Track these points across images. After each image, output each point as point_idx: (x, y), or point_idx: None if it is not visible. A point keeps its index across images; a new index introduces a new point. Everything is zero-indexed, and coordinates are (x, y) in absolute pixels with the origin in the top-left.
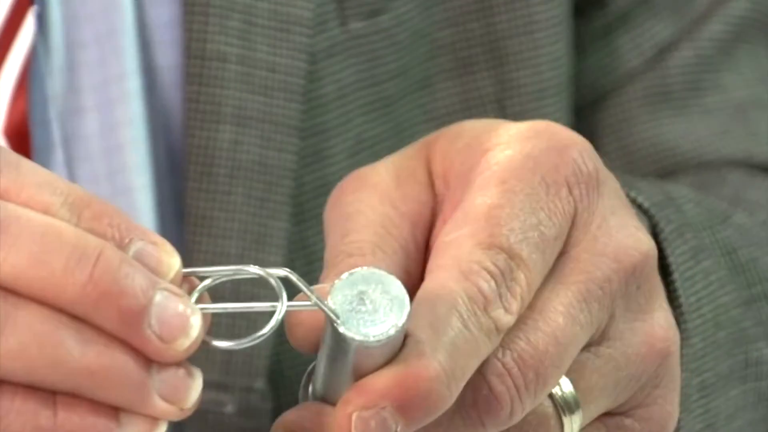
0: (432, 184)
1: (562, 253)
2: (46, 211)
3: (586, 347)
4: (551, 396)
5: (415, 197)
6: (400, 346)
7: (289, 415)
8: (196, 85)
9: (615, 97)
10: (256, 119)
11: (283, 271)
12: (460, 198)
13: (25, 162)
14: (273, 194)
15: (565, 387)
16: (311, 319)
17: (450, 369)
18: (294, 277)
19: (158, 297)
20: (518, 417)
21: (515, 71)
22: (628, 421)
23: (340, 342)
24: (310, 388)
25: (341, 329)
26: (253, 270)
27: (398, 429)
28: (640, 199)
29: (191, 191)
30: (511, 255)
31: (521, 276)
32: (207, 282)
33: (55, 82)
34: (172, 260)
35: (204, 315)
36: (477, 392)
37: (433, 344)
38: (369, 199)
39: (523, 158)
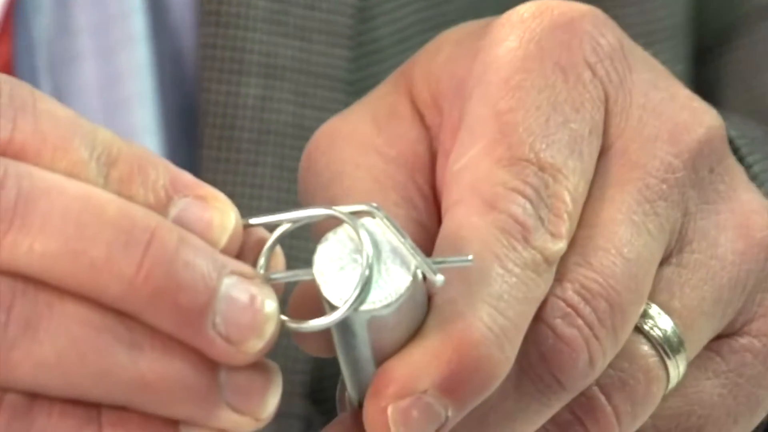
0: (420, 117)
1: (605, 150)
2: (73, 173)
3: (666, 259)
4: (645, 334)
5: (403, 137)
6: (425, 310)
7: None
8: (213, 26)
9: (743, 36)
10: (290, 70)
11: (365, 207)
12: (459, 118)
13: (41, 99)
14: None
15: (660, 320)
16: (314, 306)
17: (498, 325)
18: (380, 215)
19: (224, 286)
20: (601, 364)
21: (620, 8)
22: (744, 341)
23: (345, 324)
24: (347, 398)
25: (336, 301)
26: (333, 212)
27: (449, 414)
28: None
29: (207, 160)
30: (542, 166)
31: (561, 188)
32: (277, 235)
33: (43, 23)
34: (225, 220)
35: (278, 288)
36: (541, 344)
37: (470, 299)
38: (348, 154)
39: (525, 46)
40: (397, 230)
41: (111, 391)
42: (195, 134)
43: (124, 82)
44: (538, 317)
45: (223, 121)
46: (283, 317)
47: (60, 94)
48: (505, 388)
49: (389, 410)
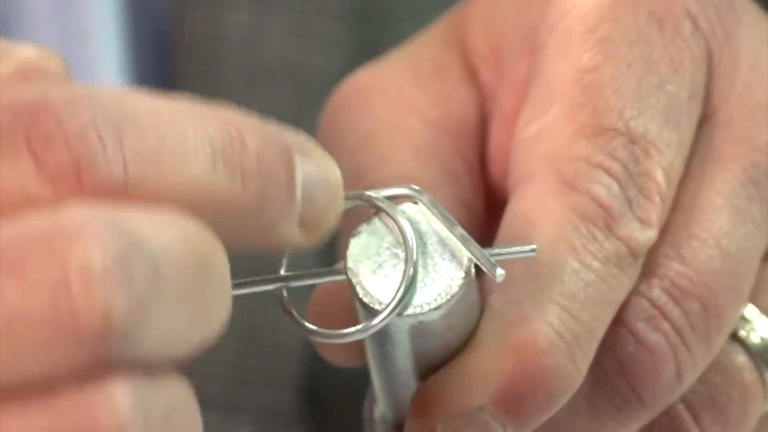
0: (472, 73)
1: (706, 118)
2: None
3: None
4: (741, 342)
5: (449, 97)
6: (478, 313)
7: None
8: None
9: None
10: None
11: (405, 190)
12: (526, 74)
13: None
14: (309, 109)
15: (759, 324)
16: (341, 313)
17: (570, 331)
18: (425, 201)
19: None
20: (690, 377)
21: None
22: None
23: (384, 331)
24: (376, 416)
25: (376, 305)
26: (366, 197)
27: None
28: None
29: None
30: (632, 137)
31: (654, 165)
32: None
33: None
34: (337, 172)
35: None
36: (620, 352)
37: (537, 299)
38: (381, 114)
39: None
40: (445, 217)
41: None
42: (169, 70)
43: (82, 7)
44: (618, 319)
45: (203, 55)
46: (309, 326)
47: (6, 22)
48: (576, 404)
49: (439, 430)
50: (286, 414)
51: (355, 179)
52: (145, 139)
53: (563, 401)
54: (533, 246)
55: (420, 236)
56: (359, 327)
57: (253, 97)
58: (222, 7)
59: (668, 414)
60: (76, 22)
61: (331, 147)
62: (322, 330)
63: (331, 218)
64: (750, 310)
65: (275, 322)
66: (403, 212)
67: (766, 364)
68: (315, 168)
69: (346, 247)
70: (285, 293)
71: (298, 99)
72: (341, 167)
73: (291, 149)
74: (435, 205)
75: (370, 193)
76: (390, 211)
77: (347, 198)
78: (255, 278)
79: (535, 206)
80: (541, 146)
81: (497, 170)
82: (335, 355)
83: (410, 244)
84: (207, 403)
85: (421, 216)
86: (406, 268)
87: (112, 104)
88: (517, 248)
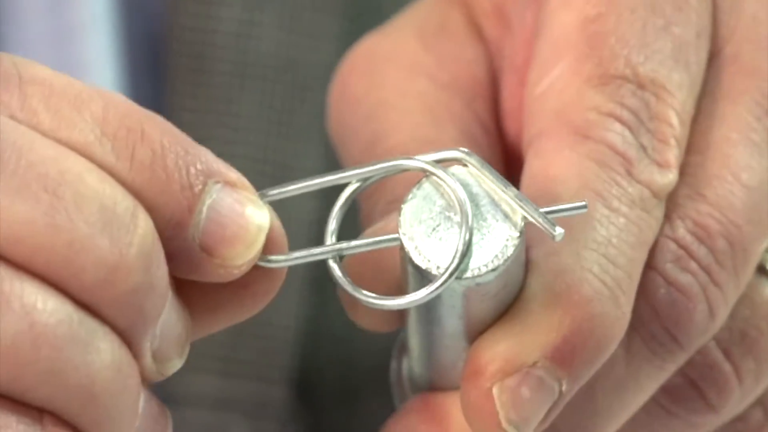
0: (477, 31)
1: (714, 55)
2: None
3: None
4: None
5: (457, 56)
6: (523, 274)
7: (394, 427)
8: None
9: None
10: None
11: (455, 153)
12: (533, 26)
13: (27, 68)
14: (301, 104)
15: None
16: (374, 278)
17: (611, 276)
18: (474, 162)
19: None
20: (723, 314)
21: None
22: None
23: (439, 294)
24: (405, 377)
25: (433, 270)
26: (414, 163)
27: (563, 388)
28: None
29: (175, 97)
30: (641, 82)
31: (666, 108)
32: (346, 196)
33: None
34: (261, 216)
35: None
36: (652, 296)
37: (574, 248)
38: (392, 79)
39: None
40: (498, 178)
41: (56, 394)
42: (160, 65)
43: (74, 4)
44: (647, 264)
45: (195, 50)
46: (366, 293)
47: None
48: (613, 353)
49: (495, 391)
50: (279, 410)
51: (371, 147)
52: (42, 91)
53: (613, 348)
54: (584, 202)
55: (472, 198)
56: (421, 292)
57: (245, 93)
58: (214, 1)
59: (700, 352)
60: (68, 19)
61: (343, 118)
62: (380, 297)
63: (238, 256)
64: None
65: (265, 316)
66: (453, 175)
67: None
68: (235, 200)
69: (398, 213)
70: (337, 262)
71: (289, 94)
72: (355, 137)
73: (208, 170)
74: (486, 167)
75: (420, 157)
76: (441, 175)
77: (392, 166)
78: (310, 249)
79: (553, 160)
80: (551, 101)
81: (512, 125)
82: (370, 321)
83: (465, 207)
84: (198, 399)
85: (471, 178)
86: (462, 231)
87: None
88: (569, 205)
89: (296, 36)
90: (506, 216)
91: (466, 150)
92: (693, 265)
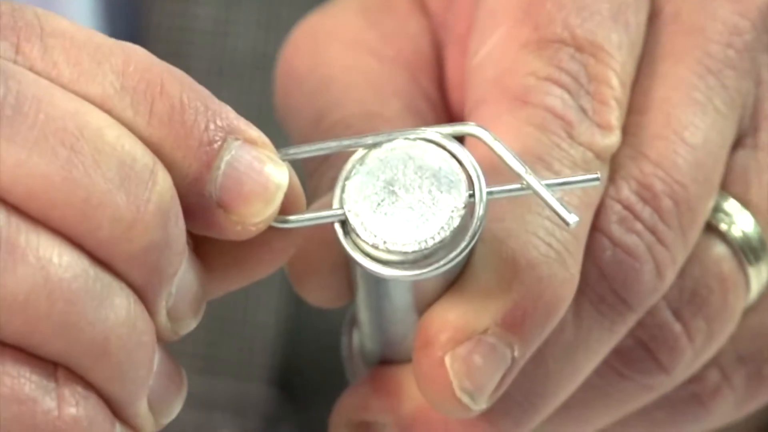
0: (421, 4)
1: (654, 16)
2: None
3: (739, 142)
4: (721, 235)
5: (401, 31)
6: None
7: (347, 401)
8: None
9: None
10: None
11: (472, 128)
12: (473, 1)
13: (49, 19)
14: None
15: (740, 218)
16: (320, 253)
17: (557, 239)
18: (488, 137)
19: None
20: (671, 274)
21: None
22: None
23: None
24: (356, 352)
25: (378, 243)
26: (431, 134)
27: (516, 354)
28: None
29: None
30: (579, 45)
31: (605, 70)
32: (353, 163)
33: None
34: (280, 173)
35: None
36: (599, 258)
37: (518, 213)
38: (335, 55)
39: None
40: (514, 157)
41: (70, 348)
42: None
43: (57, 5)
44: (593, 226)
45: (171, 48)
46: (370, 262)
47: None
48: (562, 318)
49: (447, 360)
50: (264, 407)
51: (316, 123)
52: (63, 43)
53: (564, 310)
54: (597, 174)
55: (416, 171)
56: (440, 262)
57: (222, 90)
58: (189, 0)
59: (650, 314)
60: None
61: (288, 96)
62: (386, 266)
63: (256, 213)
64: (731, 204)
65: (245, 314)
66: (393, 149)
67: (747, 258)
68: (254, 157)
69: (341, 190)
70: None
71: (267, 92)
72: (301, 114)
73: (229, 126)
74: (498, 143)
75: (434, 128)
76: (454, 148)
77: (406, 134)
78: (319, 211)
79: (493, 127)
80: (490, 69)
81: (457, 97)
82: (319, 297)
83: (480, 179)
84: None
85: (414, 150)
86: (477, 209)
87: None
88: (580, 177)
89: (273, 33)
90: (453, 188)
91: (481, 126)
92: (638, 225)
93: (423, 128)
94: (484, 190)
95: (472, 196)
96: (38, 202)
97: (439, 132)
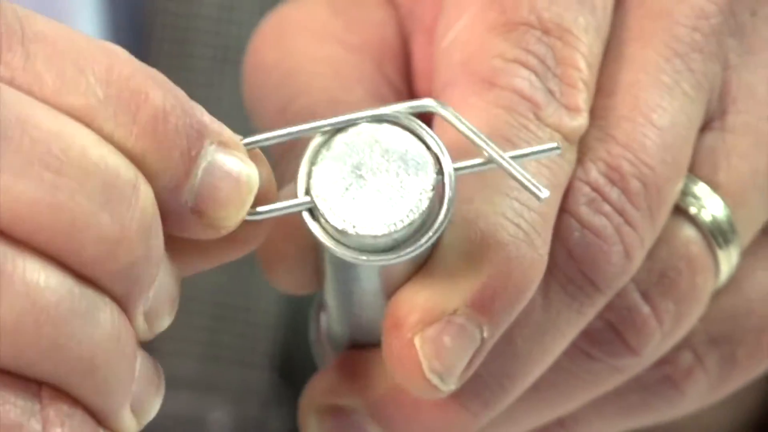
0: None
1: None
2: (79, 118)
3: (707, 125)
4: (689, 218)
5: (367, 20)
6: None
7: (316, 385)
8: None
9: None
10: None
11: (430, 102)
12: None
13: (31, 23)
14: None
15: (709, 201)
16: (287, 240)
17: (525, 219)
18: (447, 113)
19: None
20: (639, 255)
21: None
22: None
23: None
24: (324, 336)
25: (349, 228)
26: (384, 110)
27: (485, 335)
28: None
29: None
30: (546, 28)
31: (572, 53)
32: (311, 152)
33: None
34: (252, 176)
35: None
36: (567, 239)
37: (487, 194)
38: (302, 45)
39: None
40: (476, 133)
41: (58, 368)
42: (143, 51)
43: None
44: (562, 207)
45: (176, 35)
46: (345, 248)
47: None
48: (531, 299)
49: (417, 342)
50: (261, 393)
51: (281, 112)
52: (45, 50)
53: (532, 291)
54: (556, 144)
55: (383, 154)
56: (412, 246)
57: (225, 77)
58: None
59: (618, 295)
60: (54, 5)
61: (255, 88)
62: (368, 253)
63: (229, 217)
64: (700, 188)
65: (246, 300)
66: (359, 134)
67: (717, 241)
68: (228, 162)
69: (308, 175)
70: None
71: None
72: (267, 104)
73: (204, 131)
74: (459, 119)
75: (392, 107)
76: (416, 127)
77: (363, 116)
78: (285, 201)
79: (461, 109)
80: (457, 53)
81: (424, 85)
82: (288, 283)
83: (445, 157)
84: (179, 382)
85: (380, 134)
86: (448, 191)
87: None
88: (540, 148)
89: None
90: (420, 170)
91: (439, 102)
92: (606, 207)
93: (382, 107)
94: (451, 167)
95: (439, 175)
96: (24, 227)
97: (399, 111)
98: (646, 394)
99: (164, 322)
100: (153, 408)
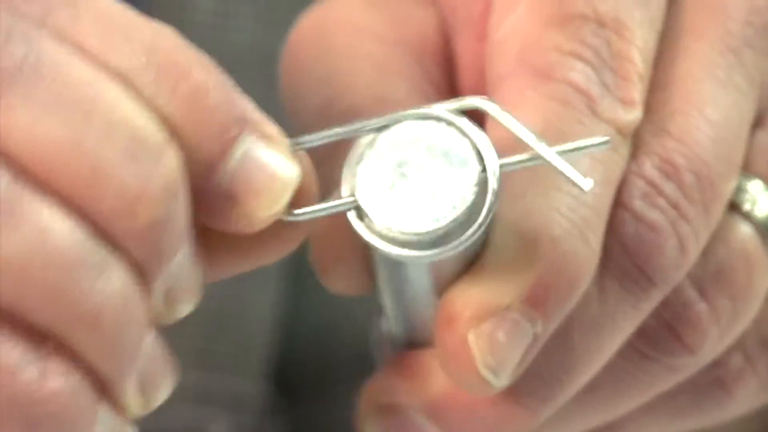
0: None
1: None
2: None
3: (759, 122)
4: (743, 214)
5: (406, 18)
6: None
7: (374, 385)
8: None
9: None
10: None
11: (477, 101)
12: None
13: None
14: (278, 97)
15: (762, 198)
16: (344, 241)
17: (579, 215)
18: (492, 108)
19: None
20: (694, 250)
21: None
22: None
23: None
24: (384, 339)
25: (396, 227)
26: (430, 109)
27: (538, 330)
28: None
29: None
30: (601, 21)
31: (627, 46)
32: (362, 149)
33: None
34: (291, 174)
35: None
36: (622, 233)
37: (540, 190)
38: (341, 44)
39: None
40: (521, 125)
41: (62, 316)
42: None
43: None
44: (616, 202)
45: None
46: (387, 245)
47: None
48: (587, 292)
49: (470, 338)
50: (258, 403)
51: (325, 111)
52: (96, 13)
53: (585, 286)
54: (606, 138)
55: (426, 150)
56: (456, 241)
57: None
58: None
59: (674, 292)
60: None
61: (295, 88)
62: (402, 250)
63: (263, 209)
64: (754, 184)
65: (242, 309)
66: (402, 131)
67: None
68: (267, 155)
69: (352, 175)
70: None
71: (266, 87)
72: (308, 104)
73: (245, 119)
74: (509, 115)
75: (439, 105)
76: (462, 124)
77: (409, 114)
78: (327, 201)
79: (516, 102)
80: (512, 44)
81: (469, 79)
82: (341, 285)
83: (491, 163)
84: (176, 392)
85: (424, 130)
86: (492, 186)
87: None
88: (590, 141)
89: (273, 27)
90: (464, 165)
91: (485, 97)
92: (661, 201)
93: (429, 105)
94: (496, 162)
95: (484, 171)
96: (46, 166)
97: (446, 108)
98: (697, 396)
99: (184, 307)
100: (160, 392)
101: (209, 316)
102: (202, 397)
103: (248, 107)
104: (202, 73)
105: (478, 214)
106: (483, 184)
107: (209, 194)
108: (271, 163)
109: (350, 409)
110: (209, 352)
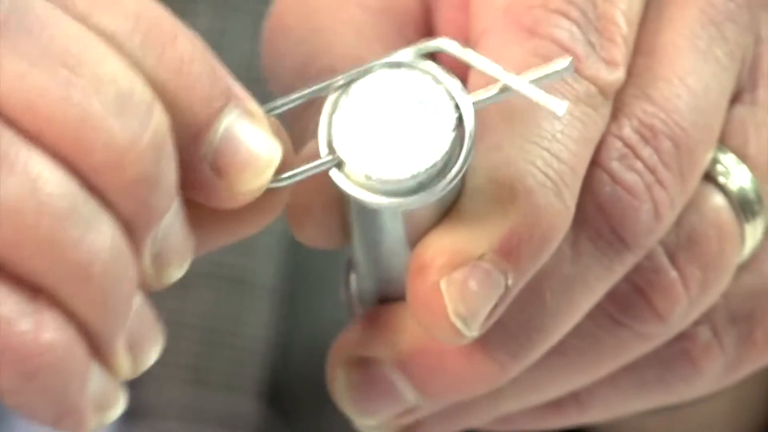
0: None
1: None
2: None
3: (737, 97)
4: (719, 186)
5: None
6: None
7: (344, 338)
8: None
9: None
10: None
11: (437, 42)
12: None
13: None
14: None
15: (737, 172)
16: (317, 193)
17: (554, 170)
18: (455, 48)
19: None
20: (669, 215)
21: None
22: None
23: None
24: (354, 294)
25: (385, 175)
26: (396, 56)
27: (509, 282)
28: None
29: None
30: None
31: (612, 8)
32: (329, 108)
33: None
34: (274, 153)
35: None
36: (598, 193)
37: (517, 142)
38: (323, 8)
39: None
40: (484, 61)
41: (54, 267)
42: None
43: None
44: (594, 161)
45: None
46: (371, 195)
47: None
48: (560, 249)
49: (443, 285)
50: (251, 420)
51: (303, 69)
52: None
53: (557, 241)
54: (569, 58)
55: (401, 99)
56: (436, 187)
57: None
58: (185, 11)
59: (646, 257)
60: None
61: (275, 49)
62: (381, 198)
63: (243, 180)
64: (728, 158)
65: (235, 326)
66: (375, 81)
67: (743, 212)
68: (246, 129)
69: (328, 129)
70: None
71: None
72: (286, 64)
73: (229, 92)
74: (467, 49)
75: (404, 50)
76: (433, 69)
77: (373, 65)
78: (308, 163)
79: (499, 57)
80: (498, 0)
81: None
82: (312, 237)
83: (463, 96)
84: (168, 409)
85: (397, 79)
86: (468, 129)
87: None
88: (552, 67)
89: None
90: (439, 111)
91: (447, 38)
92: (638, 164)
93: (393, 52)
94: (469, 101)
95: (459, 116)
96: (34, 116)
97: (410, 52)
98: (663, 369)
99: (173, 273)
100: (150, 354)
101: (203, 334)
102: (195, 414)
103: (232, 81)
104: (188, 43)
105: (456, 159)
106: (460, 128)
107: (194, 167)
108: (253, 138)
109: (344, 428)
110: (203, 369)
